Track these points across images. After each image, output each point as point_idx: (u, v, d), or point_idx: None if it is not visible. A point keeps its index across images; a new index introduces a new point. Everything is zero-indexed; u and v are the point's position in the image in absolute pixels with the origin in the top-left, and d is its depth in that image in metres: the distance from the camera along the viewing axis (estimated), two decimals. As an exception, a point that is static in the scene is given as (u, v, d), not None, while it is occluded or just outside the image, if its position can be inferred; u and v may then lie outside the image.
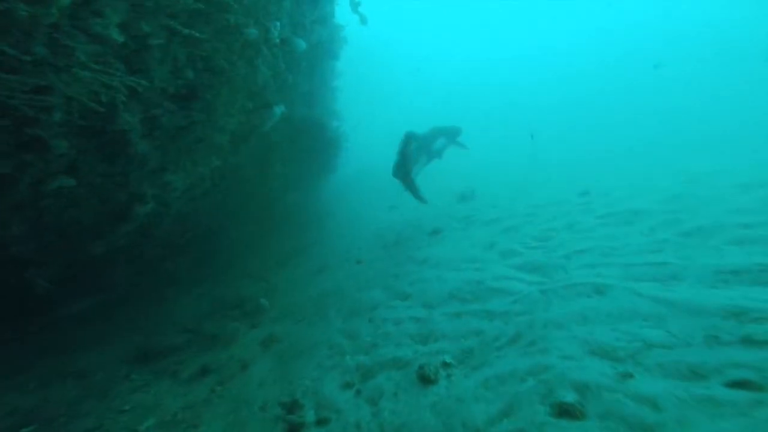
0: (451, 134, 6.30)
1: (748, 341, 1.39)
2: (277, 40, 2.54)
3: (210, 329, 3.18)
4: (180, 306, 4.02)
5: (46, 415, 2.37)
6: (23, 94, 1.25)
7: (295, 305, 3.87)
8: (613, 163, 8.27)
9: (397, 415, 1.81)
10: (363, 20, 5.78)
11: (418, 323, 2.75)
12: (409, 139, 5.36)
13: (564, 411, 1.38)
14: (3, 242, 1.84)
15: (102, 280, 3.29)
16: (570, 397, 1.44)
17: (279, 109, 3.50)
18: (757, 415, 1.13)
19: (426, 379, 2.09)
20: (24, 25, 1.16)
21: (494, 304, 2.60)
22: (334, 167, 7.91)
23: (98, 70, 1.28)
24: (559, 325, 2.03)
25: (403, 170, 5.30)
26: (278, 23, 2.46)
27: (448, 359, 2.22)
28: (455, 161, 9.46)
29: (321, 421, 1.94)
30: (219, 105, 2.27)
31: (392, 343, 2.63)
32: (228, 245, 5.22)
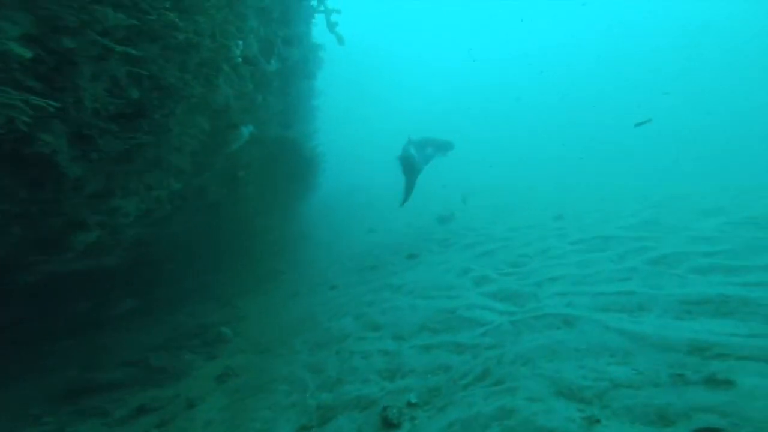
0: (441, 147, 6.30)
1: (712, 381, 1.32)
2: (239, 59, 2.50)
3: (159, 362, 2.90)
4: (132, 335, 3.69)
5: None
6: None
7: (261, 334, 3.62)
8: (588, 181, 8.55)
9: (352, 469, 1.61)
10: (340, 40, 5.91)
11: (386, 357, 2.58)
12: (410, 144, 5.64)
13: (527, 465, 1.24)
14: None
15: (44, 307, 2.98)
16: (534, 448, 1.31)
17: (246, 130, 3.42)
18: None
19: (389, 424, 1.92)
20: None
21: (465, 335, 2.48)
22: (312, 188, 7.81)
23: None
24: (527, 360, 1.92)
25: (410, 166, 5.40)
26: (241, 42, 2.43)
27: (413, 399, 2.06)
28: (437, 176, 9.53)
29: (265, 477, 1.71)
30: (173, 125, 2.16)
31: (359, 379, 2.45)
32: (195, 269, 4.94)
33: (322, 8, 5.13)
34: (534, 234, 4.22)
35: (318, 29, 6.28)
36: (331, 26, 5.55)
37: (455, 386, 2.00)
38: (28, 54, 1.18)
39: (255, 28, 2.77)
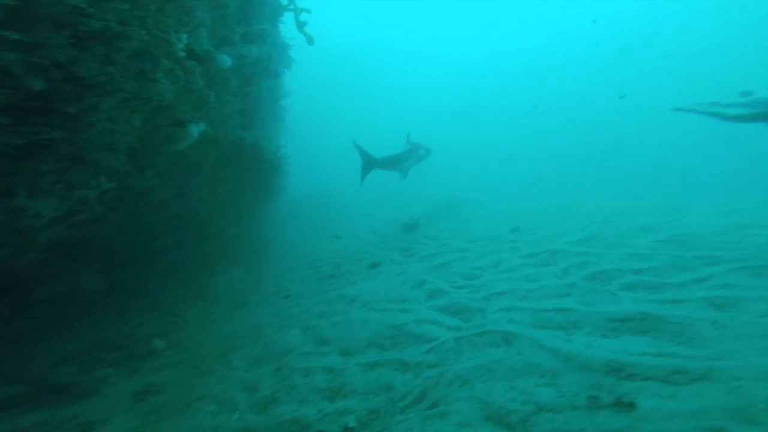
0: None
1: (619, 404, 1.36)
2: (182, 54, 2.32)
3: (62, 377, 2.57)
4: (41, 349, 3.28)
5: None
6: None
7: (199, 347, 3.37)
8: (548, 195, 9.01)
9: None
10: (309, 40, 5.78)
11: (330, 375, 2.48)
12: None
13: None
14: None
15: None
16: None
17: (197, 128, 3.20)
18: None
19: (321, 451, 1.82)
20: None
21: (411, 352, 2.44)
22: (276, 192, 7.54)
23: None
24: (465, 381, 1.91)
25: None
26: (185, 35, 2.26)
27: (351, 423, 1.98)
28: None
29: None
30: (96, 120, 1.94)
31: (296, 398, 2.33)
32: (135, 274, 4.54)
33: (291, 7, 4.98)
34: (490, 246, 4.32)
35: (289, 28, 6.15)
36: (300, 25, 5.41)
37: (394, 409, 1.94)
38: None
39: (204, 21, 2.60)
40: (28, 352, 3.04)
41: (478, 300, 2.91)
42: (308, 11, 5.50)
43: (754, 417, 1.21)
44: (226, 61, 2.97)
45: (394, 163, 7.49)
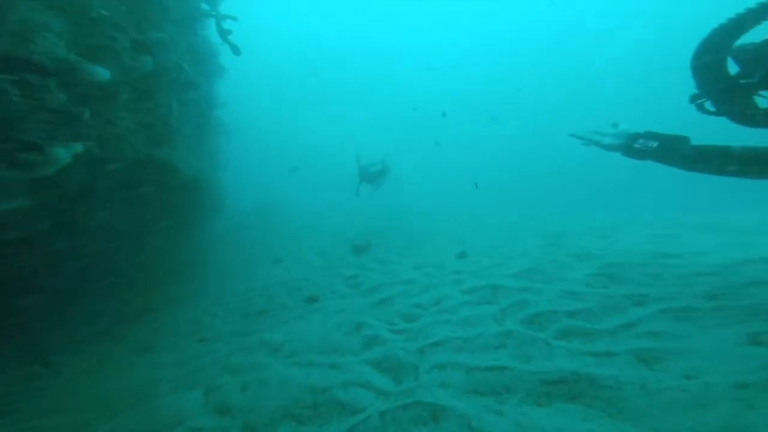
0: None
1: None
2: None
3: None
4: None
5: None
6: None
7: (62, 413, 2.66)
8: (495, 212, 9.22)
9: None
10: (235, 51, 5.23)
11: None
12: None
13: None
14: None
15: None
16: None
17: (66, 151, 2.55)
18: None
19: None
20: None
21: (330, 429, 2.06)
22: (208, 211, 6.76)
23: None
24: (380, 483, 1.58)
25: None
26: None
27: None
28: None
29: None
30: None
31: None
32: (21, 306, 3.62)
33: (213, 13, 4.41)
34: (435, 276, 4.13)
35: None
36: (223, 34, 4.84)
37: None
38: None
39: (58, 30, 2.03)
40: None
41: (413, 352, 2.63)
42: (234, 18, 4.95)
43: None
44: (101, 73, 2.39)
45: (374, 177, 8.89)
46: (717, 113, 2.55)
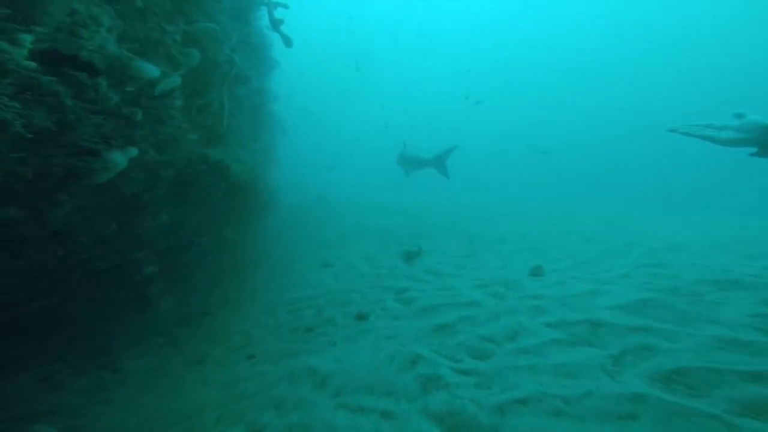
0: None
1: None
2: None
3: None
4: None
5: None
6: None
7: None
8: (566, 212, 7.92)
9: None
10: (287, 42, 4.99)
11: None
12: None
13: None
14: None
15: None
16: None
17: (122, 155, 2.45)
18: None
19: None
20: None
21: None
22: (259, 210, 6.77)
23: None
24: None
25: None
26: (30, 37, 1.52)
27: None
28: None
29: None
30: None
31: None
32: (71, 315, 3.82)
33: (266, 1, 4.20)
34: (505, 299, 3.39)
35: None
36: (275, 24, 4.62)
37: None
38: None
39: (108, 24, 1.83)
40: None
41: (488, 409, 2.01)
42: (285, 6, 4.71)
43: None
44: (150, 70, 2.20)
45: (422, 164, 9.39)
46: None
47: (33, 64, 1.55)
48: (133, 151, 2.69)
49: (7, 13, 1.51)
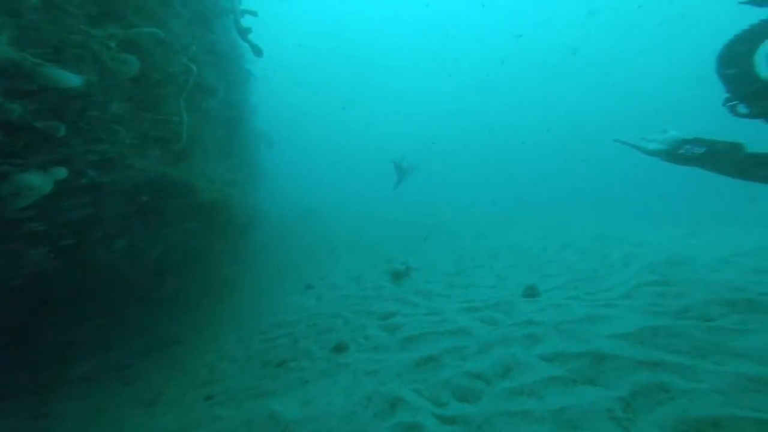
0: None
1: None
2: None
3: None
4: None
5: None
6: None
7: None
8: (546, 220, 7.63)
9: None
10: (257, 52, 4.79)
11: None
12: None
13: None
14: None
15: None
16: None
17: (43, 178, 2.12)
18: None
19: None
20: None
21: None
22: (244, 226, 6.42)
23: None
24: None
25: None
26: None
27: None
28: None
29: None
30: None
31: None
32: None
33: (230, 8, 3.99)
34: (497, 327, 3.05)
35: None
36: (242, 33, 4.41)
37: None
38: None
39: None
40: None
41: (478, 475, 1.65)
42: (253, 14, 4.51)
43: None
44: (66, 78, 1.91)
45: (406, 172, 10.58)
46: (751, 116, 2.53)
47: None
48: (61, 172, 2.36)
49: None
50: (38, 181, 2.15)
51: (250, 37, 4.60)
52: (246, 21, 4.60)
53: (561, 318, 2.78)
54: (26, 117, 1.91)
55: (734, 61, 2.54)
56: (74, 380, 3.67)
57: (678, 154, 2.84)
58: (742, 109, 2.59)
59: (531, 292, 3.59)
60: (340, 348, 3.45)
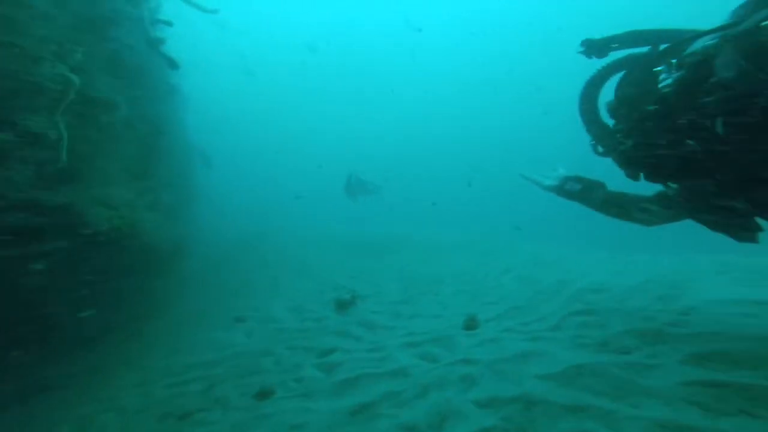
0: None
1: None
2: None
3: None
4: None
5: None
6: None
7: None
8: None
9: None
10: (172, 64, 4.40)
11: None
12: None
13: None
14: None
15: None
16: None
17: None
18: None
19: None
20: None
21: None
22: (167, 254, 5.66)
23: None
24: None
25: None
26: None
27: None
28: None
29: None
30: None
31: None
32: None
33: (136, 15, 3.59)
34: (436, 364, 2.93)
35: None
36: (153, 44, 4.00)
37: None
38: None
39: None
40: None
41: None
42: (168, 24, 4.15)
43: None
44: None
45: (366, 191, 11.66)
46: (604, 155, 2.75)
47: None
48: None
49: None
50: None
51: (164, 48, 4.16)
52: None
53: (496, 355, 2.75)
54: None
55: (587, 102, 2.81)
56: None
57: (564, 189, 3.05)
58: (599, 148, 2.85)
59: (471, 324, 3.57)
60: (264, 394, 3.02)
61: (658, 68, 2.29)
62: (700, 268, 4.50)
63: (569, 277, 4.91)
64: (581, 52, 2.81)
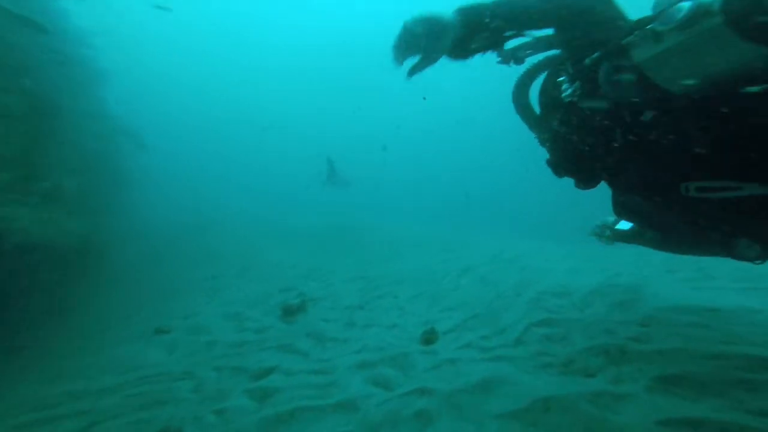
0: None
1: None
2: None
3: None
4: None
5: None
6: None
7: None
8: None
9: None
10: (39, 29, 3.54)
11: None
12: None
13: None
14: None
15: None
16: None
17: None
18: None
19: None
20: None
21: None
22: (84, 246, 4.65)
23: None
24: None
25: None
26: None
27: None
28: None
29: None
30: None
31: None
32: None
33: None
34: (389, 392, 2.54)
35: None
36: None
37: None
38: None
39: None
40: None
41: None
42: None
43: None
44: None
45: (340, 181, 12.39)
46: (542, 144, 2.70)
47: None
48: None
49: None
50: None
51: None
52: None
53: (454, 384, 2.41)
54: None
55: (520, 93, 2.73)
56: None
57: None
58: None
59: (429, 338, 3.23)
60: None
61: (561, 78, 2.19)
62: (653, 265, 4.62)
63: (529, 277, 4.81)
64: (498, 62, 2.63)
